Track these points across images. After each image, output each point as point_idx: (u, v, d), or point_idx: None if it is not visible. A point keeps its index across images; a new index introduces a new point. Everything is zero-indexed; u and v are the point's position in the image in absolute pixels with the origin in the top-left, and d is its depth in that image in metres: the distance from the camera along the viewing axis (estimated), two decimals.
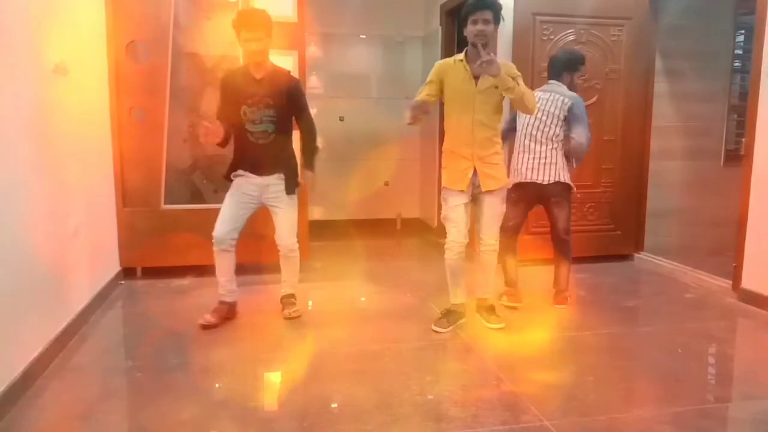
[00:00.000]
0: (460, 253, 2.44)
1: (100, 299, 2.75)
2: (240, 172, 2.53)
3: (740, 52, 4.02)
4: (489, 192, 2.40)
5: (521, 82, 2.32)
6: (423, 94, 2.39)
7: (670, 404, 1.88)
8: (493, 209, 2.44)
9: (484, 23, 2.26)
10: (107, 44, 3.00)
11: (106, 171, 3.03)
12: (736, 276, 2.98)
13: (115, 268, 3.13)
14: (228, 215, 2.50)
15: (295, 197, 2.58)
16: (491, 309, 2.57)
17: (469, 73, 2.34)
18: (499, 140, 2.45)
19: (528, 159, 2.72)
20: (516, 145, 2.80)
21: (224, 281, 2.58)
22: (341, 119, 4.89)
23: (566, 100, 2.70)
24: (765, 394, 1.98)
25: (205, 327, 2.46)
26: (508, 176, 2.63)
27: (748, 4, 3.49)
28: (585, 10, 3.50)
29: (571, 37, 3.51)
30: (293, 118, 2.59)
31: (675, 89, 3.90)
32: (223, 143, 2.49)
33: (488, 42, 2.29)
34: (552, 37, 3.50)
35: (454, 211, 2.41)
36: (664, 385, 2.03)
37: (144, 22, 3.08)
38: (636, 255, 3.83)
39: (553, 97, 2.72)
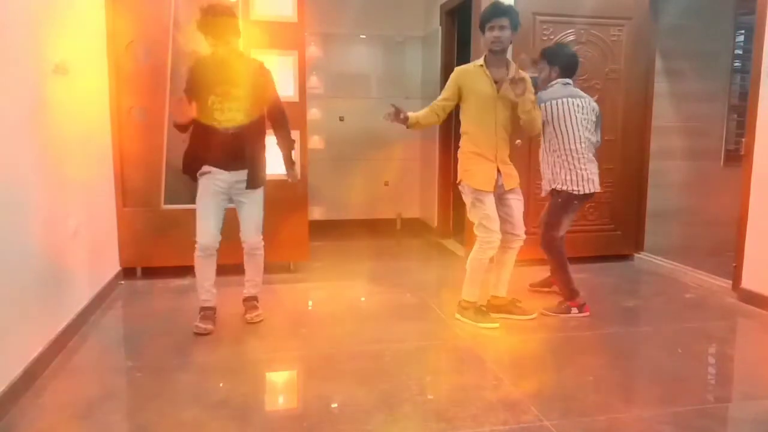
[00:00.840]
0: (495, 251, 2.51)
1: (100, 299, 2.75)
2: (206, 168, 2.37)
3: (740, 52, 4.02)
4: (512, 190, 2.53)
5: (531, 98, 2.41)
6: (442, 98, 2.50)
7: (670, 404, 1.88)
8: (520, 205, 2.56)
9: (500, 30, 2.34)
10: (107, 44, 3.00)
11: (106, 171, 3.03)
12: (736, 276, 2.98)
13: (115, 268, 3.13)
14: (209, 220, 2.38)
15: (261, 193, 2.48)
16: (514, 302, 2.67)
17: (491, 78, 2.42)
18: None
19: (594, 168, 2.72)
20: (571, 154, 2.67)
21: (208, 285, 2.47)
22: (341, 119, 4.89)
23: (593, 103, 2.74)
24: (765, 394, 1.98)
25: (202, 334, 2.39)
26: (575, 185, 2.67)
27: (748, 4, 3.49)
28: (585, 10, 3.50)
29: (571, 37, 3.51)
30: (265, 110, 2.46)
31: (675, 89, 3.90)
32: (185, 127, 2.37)
33: (505, 48, 2.40)
34: (552, 37, 3.50)
35: (493, 210, 2.47)
36: (664, 385, 2.03)
37: (144, 21, 3.08)
38: (636, 255, 3.83)
39: (587, 102, 2.72)
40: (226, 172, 2.36)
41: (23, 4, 1.99)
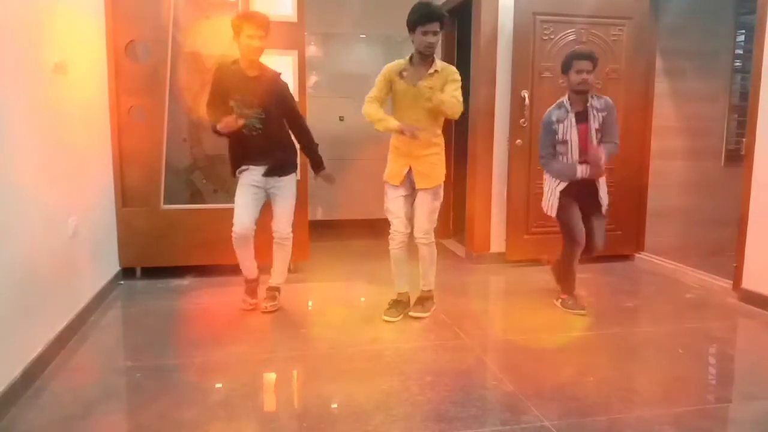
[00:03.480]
0: (402, 243, 2.58)
1: (100, 299, 2.75)
2: (244, 167, 2.62)
3: (741, 51, 4.02)
4: (423, 189, 2.52)
5: (452, 87, 2.43)
6: (375, 95, 2.51)
7: (671, 405, 1.88)
8: (427, 206, 2.54)
9: (433, 35, 2.40)
10: (107, 44, 2.99)
11: (105, 171, 3.03)
12: (736, 276, 2.97)
13: (115, 268, 3.12)
14: (244, 209, 2.59)
15: (294, 187, 2.70)
16: (422, 299, 2.69)
17: (413, 77, 2.45)
18: (439, 141, 2.54)
19: None
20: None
21: (248, 264, 2.71)
22: (341, 119, 4.89)
23: None
24: (766, 395, 1.98)
25: (250, 309, 2.69)
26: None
27: (749, 4, 3.48)
28: (585, 10, 3.49)
29: (572, 37, 3.51)
30: (284, 120, 2.67)
31: (675, 89, 3.89)
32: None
33: (434, 51, 2.46)
34: (552, 36, 3.49)
35: (394, 205, 2.56)
36: (664, 386, 2.03)
37: (143, 21, 3.07)
38: (636, 255, 3.83)
39: None
40: (262, 168, 2.59)
41: (23, 3, 1.98)
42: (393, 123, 2.44)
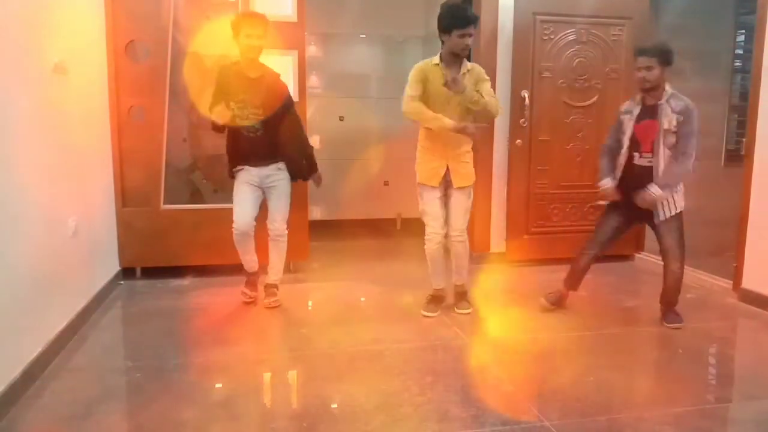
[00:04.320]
0: (440, 243, 2.64)
1: (100, 299, 2.74)
2: (239, 167, 2.67)
3: (741, 51, 4.03)
4: (459, 188, 2.57)
5: (487, 87, 2.51)
6: (415, 94, 2.51)
7: (671, 405, 1.88)
8: (462, 203, 2.61)
9: (470, 38, 2.44)
10: (107, 44, 2.99)
11: (105, 171, 3.03)
12: (736, 276, 2.98)
13: (115, 268, 3.12)
14: (243, 207, 2.65)
15: (288, 186, 2.75)
16: (463, 295, 2.76)
17: (444, 77, 2.47)
18: (470, 141, 2.58)
19: None
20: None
21: (249, 258, 2.76)
22: (341, 119, 4.89)
23: None
24: (766, 395, 1.98)
25: (248, 302, 2.76)
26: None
27: (749, 4, 3.49)
28: (585, 10, 3.49)
29: (572, 37, 3.51)
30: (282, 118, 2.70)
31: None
32: (221, 129, 2.62)
33: (469, 54, 2.53)
34: (552, 36, 3.49)
35: (431, 206, 2.60)
36: (664, 386, 2.03)
37: (143, 21, 3.07)
38: (636, 255, 3.83)
39: None
40: (256, 168, 2.65)
41: (23, 3, 1.98)
42: (448, 122, 2.46)
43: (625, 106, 2.60)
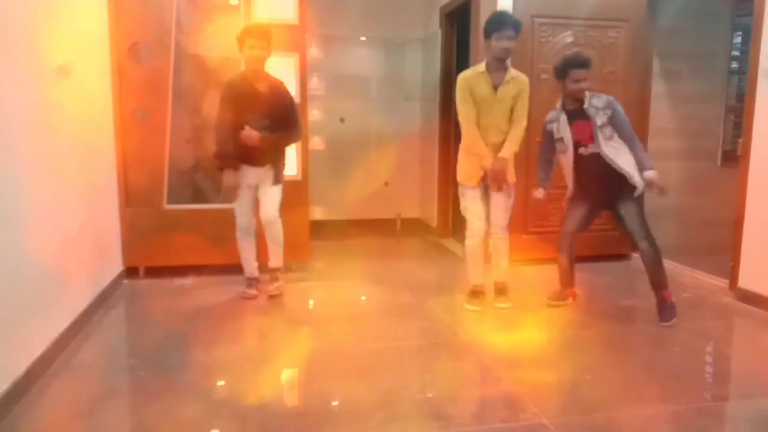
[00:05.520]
0: (481, 239, 2.74)
1: (103, 298, 2.76)
2: (238, 165, 2.78)
3: (737, 53, 4.04)
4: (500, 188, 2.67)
5: (523, 103, 2.65)
6: (468, 109, 2.61)
7: (668, 403, 1.89)
8: (502, 202, 2.71)
9: (508, 40, 2.54)
10: (110, 46, 3.01)
11: (109, 171, 3.05)
12: (733, 275, 3.00)
13: (118, 267, 3.14)
14: (243, 205, 2.82)
15: (281, 185, 2.89)
16: (504, 290, 2.83)
17: (491, 83, 2.60)
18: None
19: None
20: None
21: (251, 260, 2.91)
22: (342, 120, 4.91)
23: None
24: (762, 393, 2.00)
25: (249, 299, 2.86)
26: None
27: (746, 6, 3.51)
28: (583, 12, 3.52)
29: (569, 39, 3.53)
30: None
31: (672, 90, 3.92)
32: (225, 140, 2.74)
33: (510, 56, 2.61)
34: (550, 39, 3.52)
35: (473, 203, 2.70)
36: (662, 384, 2.04)
37: (146, 23, 3.09)
38: (633, 254, 3.84)
39: None
40: (254, 168, 2.78)
41: (26, 6, 2.00)
42: (486, 162, 2.61)
43: (550, 116, 2.76)
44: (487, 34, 2.57)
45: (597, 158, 2.59)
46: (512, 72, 2.63)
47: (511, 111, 2.64)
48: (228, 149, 2.71)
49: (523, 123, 2.66)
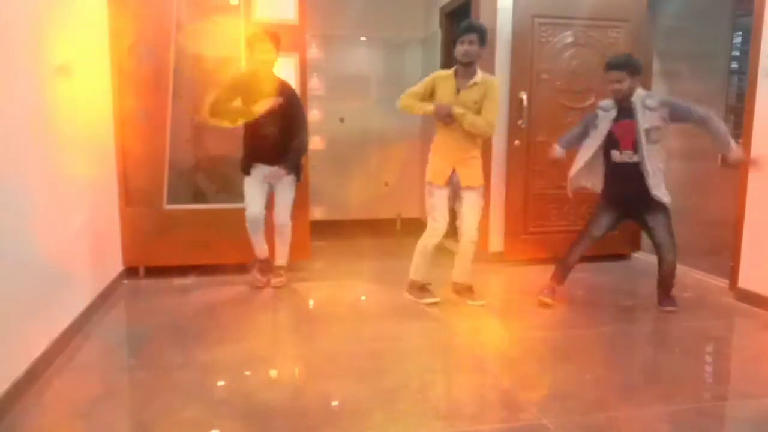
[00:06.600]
0: (439, 240, 2.78)
1: (103, 298, 2.76)
2: (253, 164, 2.94)
3: (737, 53, 4.04)
4: (468, 187, 2.70)
5: (489, 105, 2.61)
6: (416, 90, 2.70)
7: (668, 402, 1.89)
8: (473, 203, 2.72)
9: (469, 44, 2.57)
10: (110, 45, 3.01)
11: (109, 171, 3.05)
12: (733, 275, 3.00)
13: (118, 267, 3.14)
14: (254, 198, 2.94)
15: (294, 182, 3.01)
16: (470, 289, 2.84)
17: (455, 87, 2.65)
18: (479, 147, 2.72)
19: None
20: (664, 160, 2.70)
21: (261, 245, 3.02)
22: (342, 120, 4.91)
23: None
24: (762, 393, 1.99)
25: (260, 287, 2.99)
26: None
27: (746, 6, 3.51)
28: (583, 12, 3.52)
29: (570, 39, 3.53)
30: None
31: (672, 90, 3.91)
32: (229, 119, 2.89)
33: (473, 61, 2.61)
34: (550, 39, 3.52)
35: (439, 202, 2.73)
36: (662, 384, 2.04)
37: (146, 23, 3.09)
38: (633, 254, 3.85)
39: None
40: (268, 166, 2.90)
41: (26, 5, 2.00)
42: (428, 106, 2.65)
43: (604, 103, 2.74)
44: (454, 39, 2.65)
45: (633, 168, 2.61)
46: (478, 77, 2.63)
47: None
48: (222, 108, 2.80)
49: (490, 118, 2.62)
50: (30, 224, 1.99)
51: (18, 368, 1.83)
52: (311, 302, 3.05)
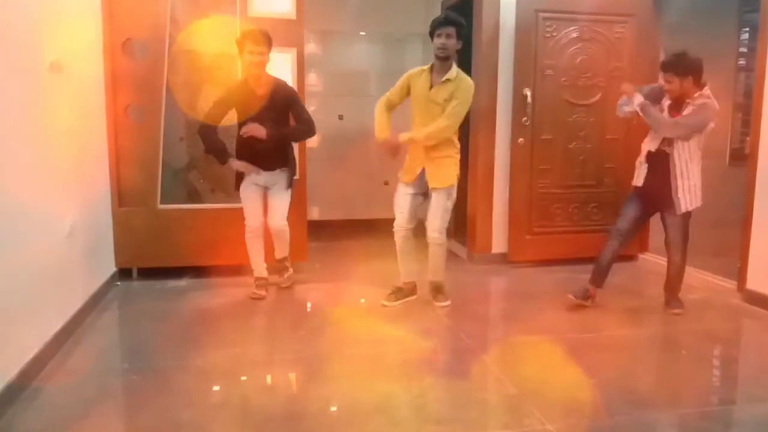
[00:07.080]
0: (404, 237, 2.75)
1: (96, 300, 2.72)
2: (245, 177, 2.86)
3: (745, 50, 3.99)
4: (434, 189, 2.65)
5: (453, 105, 2.54)
6: (389, 94, 2.70)
7: (675, 406, 1.87)
8: (439, 204, 2.67)
9: (446, 38, 2.53)
10: (103, 42, 2.96)
11: (101, 170, 3.00)
12: (741, 277, 2.95)
13: (111, 269, 3.10)
14: (253, 205, 2.87)
15: (290, 184, 2.94)
16: (439, 289, 2.81)
17: (429, 82, 2.59)
18: (452, 146, 2.65)
19: None
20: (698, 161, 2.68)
21: (260, 260, 2.93)
22: (340, 117, 4.86)
23: None
24: None
25: (257, 299, 2.86)
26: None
27: (753, 2, 3.45)
28: (588, 7, 3.46)
29: (575, 34, 3.48)
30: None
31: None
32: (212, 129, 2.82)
33: (449, 56, 2.56)
34: (555, 34, 3.46)
35: (402, 200, 2.72)
36: (668, 387, 2.02)
37: (140, 19, 3.04)
38: (640, 255, 3.80)
39: None
40: (265, 172, 2.85)
41: (19, 2, 1.96)
42: (380, 135, 2.64)
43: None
44: (431, 33, 2.57)
45: (663, 159, 2.62)
46: (452, 74, 2.55)
47: None
48: (216, 145, 2.76)
49: (447, 123, 2.54)
50: (21, 225, 1.95)
51: (10, 371, 1.81)
52: (309, 304, 3.01)
